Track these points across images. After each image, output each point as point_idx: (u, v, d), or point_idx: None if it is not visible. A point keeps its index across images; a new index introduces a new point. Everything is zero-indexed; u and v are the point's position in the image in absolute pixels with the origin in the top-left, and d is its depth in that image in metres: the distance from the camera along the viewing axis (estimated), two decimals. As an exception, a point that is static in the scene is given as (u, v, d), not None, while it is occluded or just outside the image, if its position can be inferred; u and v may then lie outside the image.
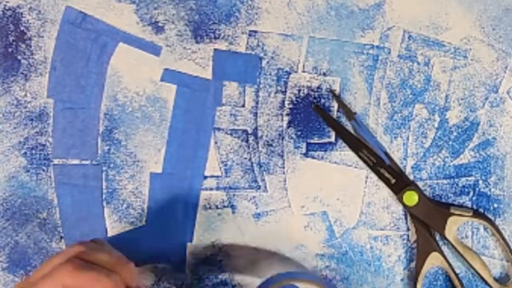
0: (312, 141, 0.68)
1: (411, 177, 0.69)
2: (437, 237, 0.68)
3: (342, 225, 0.69)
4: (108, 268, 0.56)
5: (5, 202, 0.67)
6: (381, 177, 0.68)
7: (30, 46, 0.67)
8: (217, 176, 0.68)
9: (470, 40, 0.68)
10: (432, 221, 0.67)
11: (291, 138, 0.68)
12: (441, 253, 0.68)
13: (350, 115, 0.68)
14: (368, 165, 0.68)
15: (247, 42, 0.67)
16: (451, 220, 0.67)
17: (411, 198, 0.67)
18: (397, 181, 0.68)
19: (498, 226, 0.68)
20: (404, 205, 0.68)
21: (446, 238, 0.67)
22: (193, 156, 0.67)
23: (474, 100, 0.69)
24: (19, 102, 0.67)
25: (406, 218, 0.69)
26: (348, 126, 0.68)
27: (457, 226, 0.68)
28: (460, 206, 0.69)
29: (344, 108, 0.68)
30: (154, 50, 0.67)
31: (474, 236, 0.69)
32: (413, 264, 0.69)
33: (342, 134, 0.68)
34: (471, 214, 0.67)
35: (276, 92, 0.68)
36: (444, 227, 0.67)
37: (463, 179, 0.69)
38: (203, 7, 0.67)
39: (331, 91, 0.67)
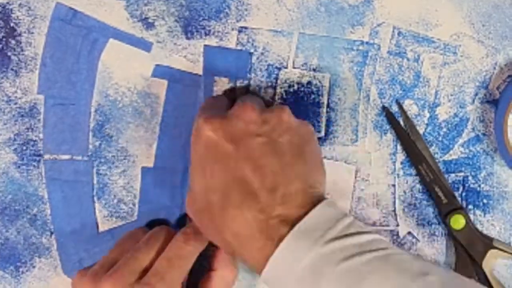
0: (302, 136, 0.68)
1: (401, 173, 0.69)
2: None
3: (333, 221, 0.69)
4: None
5: (-4, 198, 0.67)
6: (434, 194, 0.68)
7: (20, 42, 0.66)
8: (208, 172, 0.68)
9: (459, 37, 0.68)
10: (473, 249, 0.68)
11: (282, 133, 0.68)
12: (478, 281, 0.68)
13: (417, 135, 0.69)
14: (424, 179, 0.68)
15: (237, 38, 0.67)
16: (491, 253, 0.68)
17: (458, 221, 0.68)
18: (448, 202, 0.68)
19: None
20: (449, 227, 0.68)
21: (482, 269, 0.68)
22: (184, 151, 0.67)
23: (464, 96, 0.69)
24: (10, 98, 0.67)
25: (395, 214, 0.69)
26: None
27: (496, 260, 0.68)
28: (503, 242, 0.69)
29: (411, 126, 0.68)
30: (145, 46, 0.67)
31: (509, 276, 0.70)
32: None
33: (406, 144, 0.68)
34: None
35: (266, 88, 0.68)
36: (483, 258, 0.68)
37: (453, 175, 0.69)
38: (193, 3, 0.67)
39: (397, 102, 0.68)
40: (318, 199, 0.56)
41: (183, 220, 0.68)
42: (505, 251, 0.68)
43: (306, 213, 0.54)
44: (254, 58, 0.67)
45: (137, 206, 0.68)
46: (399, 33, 0.68)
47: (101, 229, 0.68)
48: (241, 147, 0.56)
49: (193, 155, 0.59)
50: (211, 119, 0.58)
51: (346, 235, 0.53)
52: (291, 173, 0.56)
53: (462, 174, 0.69)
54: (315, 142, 0.62)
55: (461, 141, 0.69)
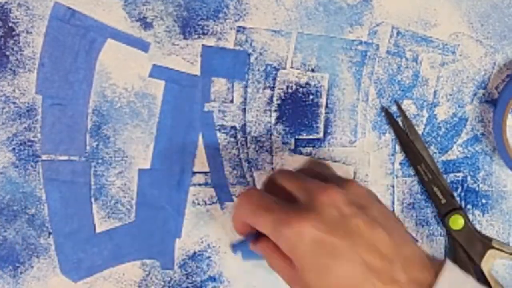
0: (300, 137, 0.68)
1: (400, 173, 0.69)
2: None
3: (331, 221, 0.69)
4: None
5: (-6, 198, 0.67)
6: (432, 194, 0.68)
7: (19, 42, 0.66)
8: (206, 172, 0.68)
9: (458, 36, 0.68)
10: (472, 249, 0.68)
11: (280, 134, 0.68)
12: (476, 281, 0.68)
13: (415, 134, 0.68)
14: (423, 179, 0.68)
15: (236, 38, 0.67)
16: (490, 253, 0.68)
17: (457, 222, 0.68)
18: (447, 202, 0.68)
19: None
20: (447, 228, 0.68)
21: (481, 269, 0.67)
22: (181, 152, 0.67)
23: (463, 96, 0.69)
24: (7, 98, 0.67)
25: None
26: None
27: (495, 260, 0.68)
28: (502, 242, 0.69)
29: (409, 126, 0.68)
30: (143, 46, 0.67)
31: (508, 276, 0.70)
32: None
33: (405, 144, 0.68)
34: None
35: (264, 88, 0.68)
36: (481, 258, 0.68)
37: (452, 175, 0.69)
38: (191, 3, 0.67)
39: (395, 102, 0.68)
40: (430, 257, 0.57)
41: (179, 222, 0.68)
42: (504, 251, 0.68)
43: (432, 275, 0.55)
44: (252, 58, 0.67)
45: (134, 207, 0.68)
46: (398, 33, 0.68)
47: (98, 230, 0.68)
48: (347, 233, 0.55)
49: (298, 258, 0.55)
50: (304, 218, 0.55)
51: None
52: (397, 237, 0.56)
53: (461, 174, 0.69)
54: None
55: (460, 141, 0.69)
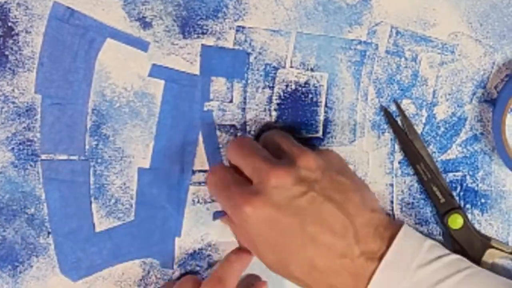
0: (299, 136, 0.68)
1: (399, 173, 0.69)
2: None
3: (330, 220, 0.69)
4: None
5: (-7, 198, 0.67)
6: (431, 194, 0.68)
7: (18, 42, 0.66)
8: (206, 171, 0.68)
9: (457, 36, 0.68)
10: (471, 248, 0.68)
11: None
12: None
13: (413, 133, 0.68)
14: (422, 179, 0.68)
15: (235, 38, 0.67)
16: (489, 252, 0.68)
17: (456, 221, 0.68)
18: (446, 201, 0.68)
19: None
20: (446, 227, 0.68)
21: None
22: (181, 151, 0.67)
23: (462, 96, 0.69)
24: (7, 97, 0.66)
25: (393, 214, 0.69)
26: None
27: (493, 259, 0.68)
28: (501, 242, 0.69)
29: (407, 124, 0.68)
30: (142, 45, 0.67)
31: (507, 275, 0.69)
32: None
33: (404, 143, 0.68)
34: (511, 251, 0.68)
35: (264, 88, 0.68)
36: (481, 257, 0.68)
37: (451, 174, 0.69)
38: (190, 3, 0.67)
39: (395, 102, 0.68)
40: (387, 223, 0.60)
41: (179, 220, 0.68)
42: (503, 251, 0.68)
43: (386, 243, 0.58)
44: (251, 58, 0.67)
45: (134, 206, 0.68)
46: (397, 33, 0.68)
47: (98, 229, 0.68)
48: (295, 213, 0.57)
49: (252, 236, 0.59)
50: (254, 200, 0.57)
51: (432, 260, 0.58)
52: (351, 208, 0.59)
53: (460, 173, 0.69)
54: (346, 164, 0.65)
55: (459, 140, 0.69)
